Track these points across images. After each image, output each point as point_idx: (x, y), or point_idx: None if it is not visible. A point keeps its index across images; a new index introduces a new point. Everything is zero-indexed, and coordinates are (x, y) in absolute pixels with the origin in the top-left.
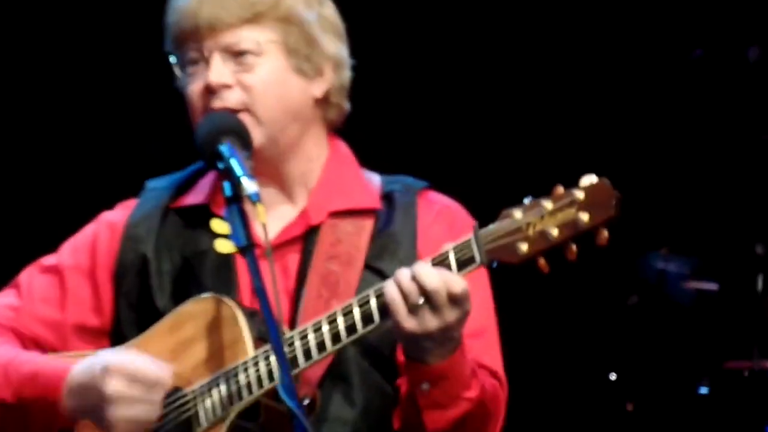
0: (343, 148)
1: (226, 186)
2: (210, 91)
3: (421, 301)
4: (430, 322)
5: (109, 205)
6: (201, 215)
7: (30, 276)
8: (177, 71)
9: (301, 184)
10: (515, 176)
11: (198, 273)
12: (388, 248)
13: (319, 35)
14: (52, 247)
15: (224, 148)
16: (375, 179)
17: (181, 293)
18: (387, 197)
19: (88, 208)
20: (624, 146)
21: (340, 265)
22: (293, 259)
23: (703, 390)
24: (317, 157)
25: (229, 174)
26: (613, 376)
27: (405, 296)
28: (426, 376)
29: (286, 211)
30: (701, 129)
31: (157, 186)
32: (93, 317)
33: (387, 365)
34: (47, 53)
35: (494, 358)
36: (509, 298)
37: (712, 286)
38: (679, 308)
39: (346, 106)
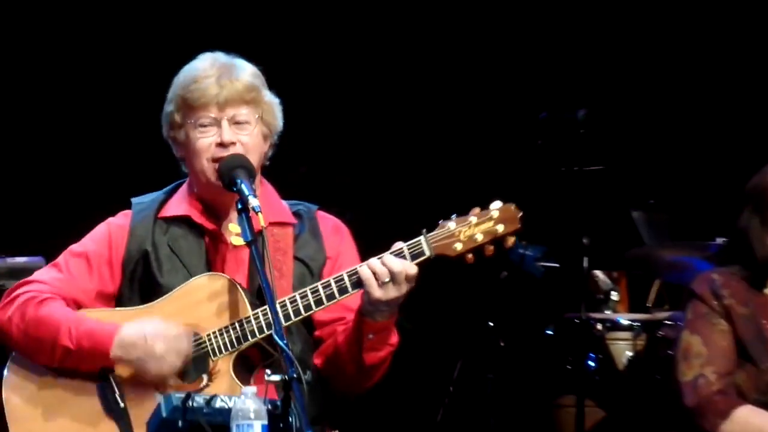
0: (266, 182)
1: (239, 202)
2: (221, 145)
3: (387, 279)
4: (392, 293)
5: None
6: (181, 221)
7: (65, 258)
8: (191, 127)
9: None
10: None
11: (182, 259)
12: (305, 246)
13: (274, 113)
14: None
15: (238, 178)
16: (284, 202)
17: (172, 273)
18: (296, 214)
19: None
20: (496, 184)
21: (281, 255)
22: (244, 251)
23: (549, 332)
24: (258, 187)
25: (240, 193)
26: (491, 324)
27: (376, 276)
28: (373, 329)
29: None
30: (546, 168)
31: (142, 201)
32: (109, 287)
33: (308, 323)
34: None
35: None
36: (427, 277)
37: (555, 265)
38: (534, 279)
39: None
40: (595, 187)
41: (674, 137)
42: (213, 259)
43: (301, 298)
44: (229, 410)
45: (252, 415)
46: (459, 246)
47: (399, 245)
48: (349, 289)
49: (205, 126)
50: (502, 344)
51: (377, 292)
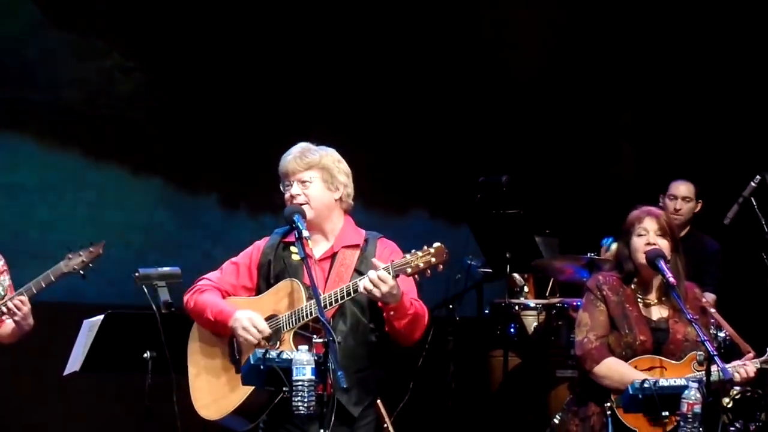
0: (350, 219)
1: (297, 233)
2: (293, 197)
3: (373, 286)
4: (379, 292)
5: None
6: (293, 243)
7: (226, 265)
8: (282, 187)
9: (332, 233)
10: None
11: (289, 269)
12: (363, 262)
13: (336, 173)
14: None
15: (296, 218)
16: (362, 231)
17: (284, 273)
18: (366, 240)
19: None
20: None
21: (345, 269)
22: (326, 264)
23: (486, 311)
24: (338, 222)
25: (298, 229)
26: (450, 306)
27: (373, 282)
28: (390, 309)
29: (324, 245)
30: (484, 211)
31: (275, 233)
32: (248, 282)
33: (370, 309)
34: None
35: (415, 296)
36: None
37: (489, 270)
38: (476, 279)
39: (351, 202)
40: (513, 223)
41: (562, 196)
42: (307, 267)
43: (336, 294)
44: (291, 359)
45: (305, 362)
46: (409, 270)
47: (381, 265)
48: (359, 290)
49: (287, 185)
50: (457, 318)
51: (373, 292)
